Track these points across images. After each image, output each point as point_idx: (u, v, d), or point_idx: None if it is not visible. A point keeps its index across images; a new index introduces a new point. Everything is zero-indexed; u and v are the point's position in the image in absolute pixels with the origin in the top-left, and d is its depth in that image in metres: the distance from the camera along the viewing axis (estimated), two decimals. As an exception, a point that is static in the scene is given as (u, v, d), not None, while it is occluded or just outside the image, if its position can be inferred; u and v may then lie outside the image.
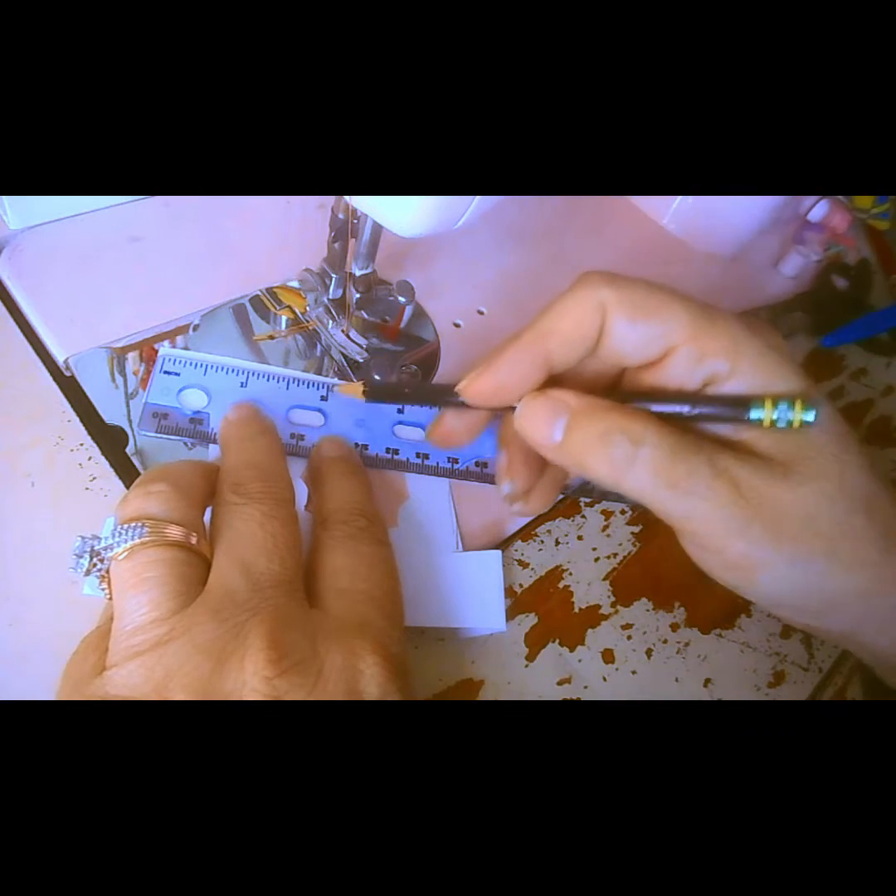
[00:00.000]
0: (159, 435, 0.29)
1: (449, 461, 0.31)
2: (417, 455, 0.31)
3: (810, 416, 0.21)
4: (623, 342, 0.22)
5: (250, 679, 0.20)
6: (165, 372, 0.29)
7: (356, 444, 0.30)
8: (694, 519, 0.21)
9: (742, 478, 0.21)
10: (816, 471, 0.22)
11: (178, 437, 0.29)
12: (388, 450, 0.30)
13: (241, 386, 0.30)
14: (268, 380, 0.30)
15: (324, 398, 0.30)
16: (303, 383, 0.30)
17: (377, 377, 0.33)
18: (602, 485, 0.22)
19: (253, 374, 0.30)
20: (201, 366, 0.30)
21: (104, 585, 0.23)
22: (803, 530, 0.21)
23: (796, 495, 0.21)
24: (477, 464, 0.31)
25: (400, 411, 0.31)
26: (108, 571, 0.23)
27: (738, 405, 0.21)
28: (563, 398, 0.22)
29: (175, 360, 0.30)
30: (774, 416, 0.21)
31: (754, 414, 0.21)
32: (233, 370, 0.30)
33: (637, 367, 0.23)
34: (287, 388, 0.30)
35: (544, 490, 0.27)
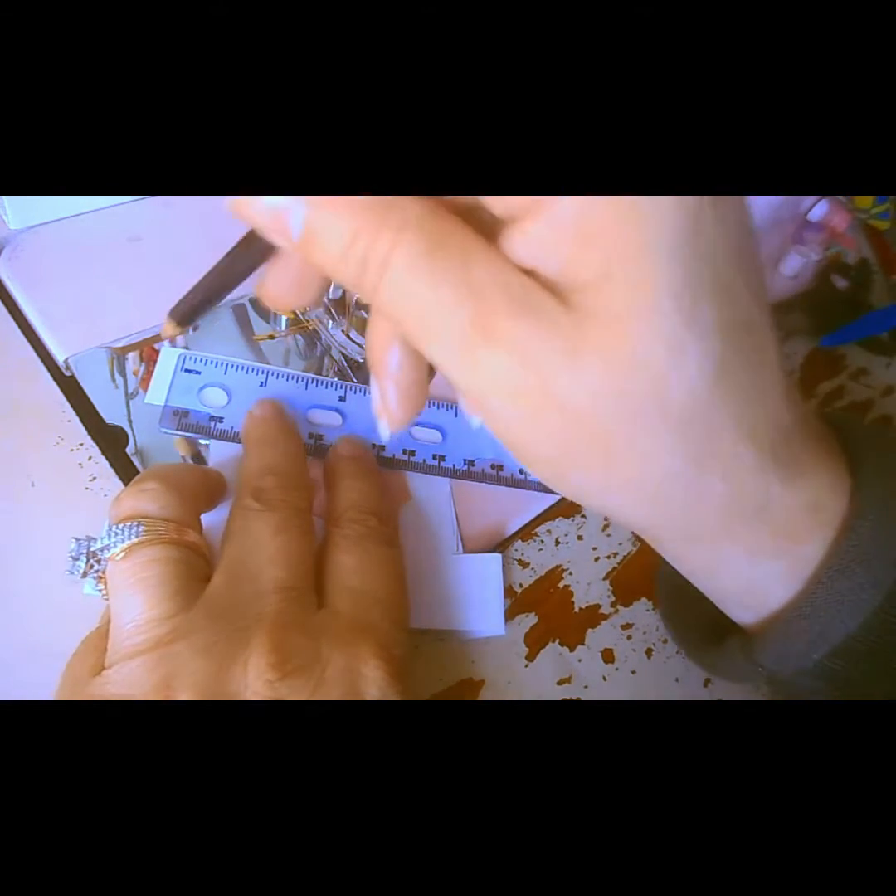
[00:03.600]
0: (180, 432, 0.29)
1: (465, 463, 0.31)
2: (434, 456, 0.31)
3: None
4: None
5: (252, 682, 0.20)
6: (186, 370, 0.30)
7: (373, 445, 0.30)
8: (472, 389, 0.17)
9: (529, 348, 0.16)
10: (605, 330, 0.16)
11: (198, 436, 0.29)
12: (404, 451, 0.31)
13: (261, 385, 0.30)
14: (287, 380, 0.30)
15: (342, 399, 0.31)
16: (321, 383, 0.31)
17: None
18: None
19: (272, 373, 0.30)
20: (221, 364, 0.30)
21: (102, 586, 0.23)
22: (580, 431, 0.17)
23: (576, 379, 0.16)
24: (493, 466, 0.31)
25: None
26: (105, 572, 0.23)
27: None
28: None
29: (195, 359, 0.30)
30: None
31: None
32: (253, 369, 0.30)
33: None
34: (306, 388, 0.30)
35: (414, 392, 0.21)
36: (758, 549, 0.20)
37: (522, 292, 0.16)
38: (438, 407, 0.32)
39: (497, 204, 0.17)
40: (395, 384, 0.20)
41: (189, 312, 0.21)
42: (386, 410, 0.20)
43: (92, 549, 0.23)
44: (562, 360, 0.16)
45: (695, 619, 0.26)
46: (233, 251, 0.20)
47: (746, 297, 0.17)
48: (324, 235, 0.16)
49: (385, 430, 0.21)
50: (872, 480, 0.20)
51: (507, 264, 0.16)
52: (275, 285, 0.20)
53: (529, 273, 0.16)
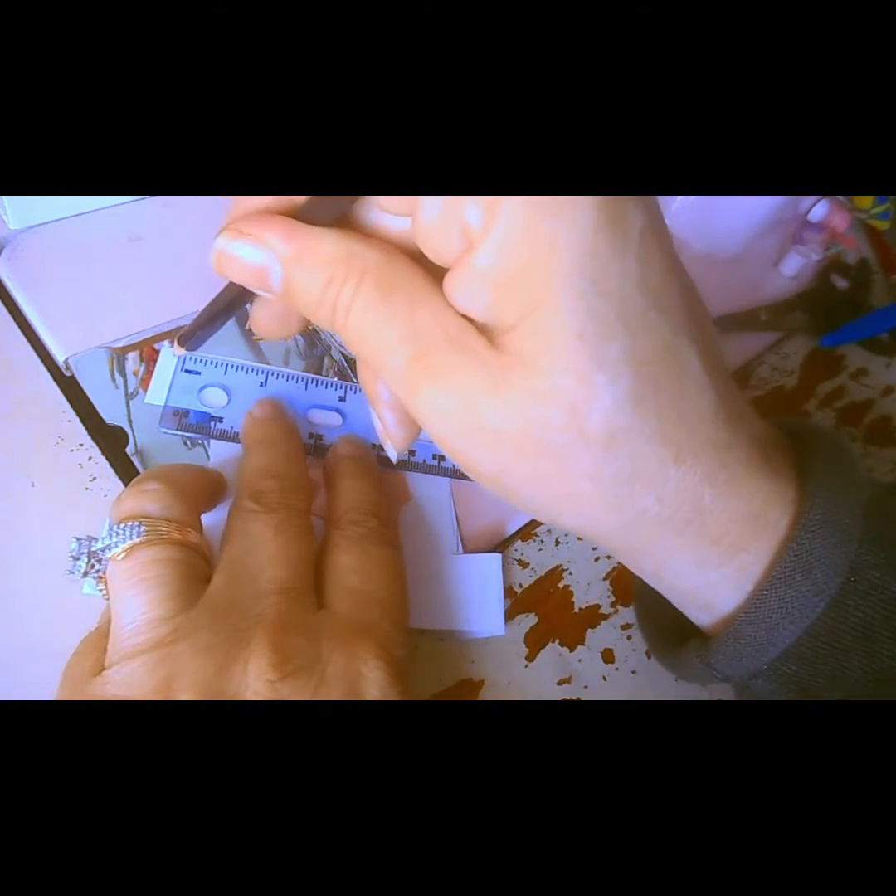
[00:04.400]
0: (180, 432, 0.29)
1: None
2: (434, 456, 0.31)
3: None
4: None
5: (253, 682, 0.20)
6: (186, 371, 0.30)
7: (373, 445, 0.30)
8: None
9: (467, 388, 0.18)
10: (524, 367, 0.18)
11: (198, 436, 0.29)
12: None
13: (261, 385, 0.30)
14: (287, 380, 0.30)
15: (342, 399, 0.31)
16: (321, 383, 0.31)
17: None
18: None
19: (272, 373, 0.30)
20: (221, 364, 0.30)
21: (103, 586, 0.23)
22: (516, 455, 0.19)
23: (502, 411, 0.18)
24: None
25: None
26: (105, 572, 0.23)
27: None
28: (272, 241, 0.19)
29: (195, 359, 0.30)
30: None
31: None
32: (253, 369, 0.30)
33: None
34: (306, 389, 0.30)
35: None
36: (701, 557, 0.21)
37: (458, 333, 0.18)
38: None
39: (429, 253, 0.19)
40: (390, 410, 0.22)
41: (194, 336, 0.24)
42: (388, 435, 0.23)
43: (93, 548, 0.23)
44: (487, 393, 0.18)
45: (662, 620, 0.26)
46: (231, 282, 0.22)
47: (663, 325, 0.18)
48: (300, 287, 0.19)
49: (392, 452, 0.23)
50: (817, 490, 0.20)
51: (448, 308, 0.19)
52: (262, 319, 0.23)
53: (467, 315, 0.19)
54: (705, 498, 0.20)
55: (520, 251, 0.17)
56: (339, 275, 0.19)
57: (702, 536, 0.20)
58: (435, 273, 0.19)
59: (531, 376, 0.18)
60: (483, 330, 0.19)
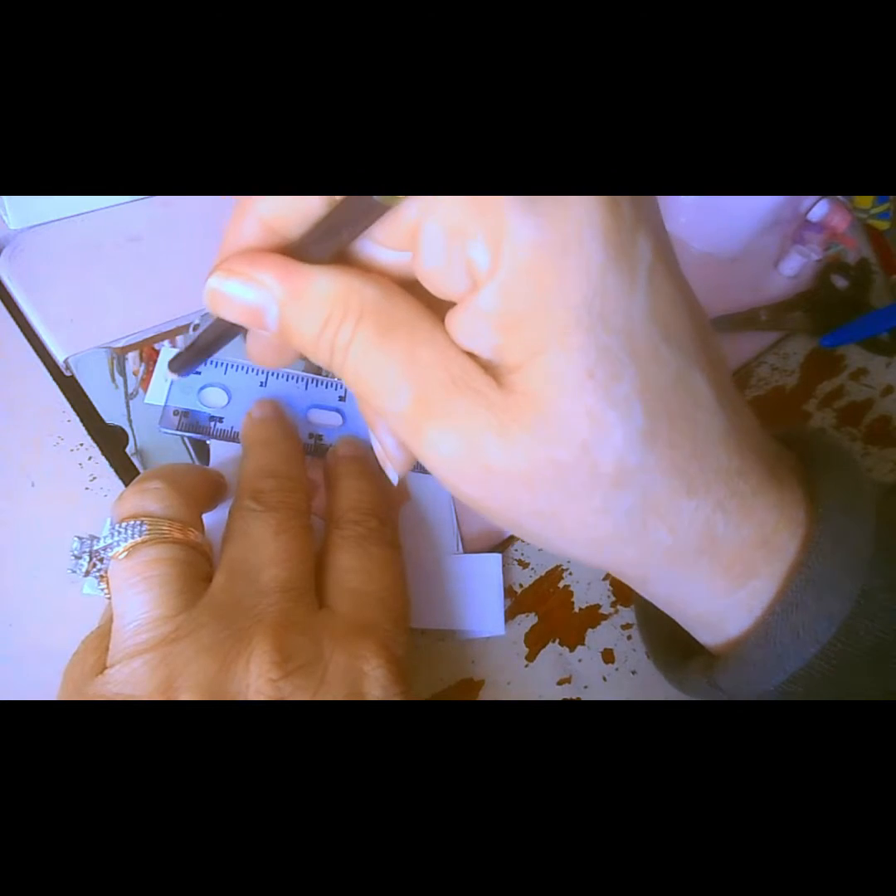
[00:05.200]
0: (180, 432, 0.29)
1: None
2: None
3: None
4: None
5: (255, 681, 0.20)
6: None
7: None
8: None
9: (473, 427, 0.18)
10: (532, 407, 0.18)
11: (198, 435, 0.29)
12: None
13: (261, 385, 0.30)
14: (287, 379, 0.30)
15: (342, 398, 0.31)
16: (321, 383, 0.31)
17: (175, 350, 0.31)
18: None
19: (272, 373, 0.30)
20: (221, 364, 0.30)
21: (104, 585, 0.23)
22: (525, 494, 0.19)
23: (508, 451, 0.18)
24: None
25: None
26: (107, 571, 0.23)
27: None
28: (266, 280, 0.19)
29: None
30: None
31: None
32: (253, 369, 0.30)
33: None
34: (306, 388, 0.30)
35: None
36: (713, 584, 0.21)
37: (461, 373, 0.18)
38: None
39: (430, 287, 0.18)
40: (389, 434, 0.22)
41: (184, 364, 0.25)
42: (388, 458, 0.23)
43: (95, 548, 0.23)
44: (494, 435, 0.18)
45: (664, 634, 0.26)
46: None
47: (674, 357, 0.18)
48: (296, 327, 0.19)
49: (393, 475, 0.23)
50: (827, 513, 0.20)
51: (451, 346, 0.18)
52: (257, 351, 0.22)
53: (470, 353, 0.18)
54: (718, 526, 0.19)
55: (527, 292, 0.16)
56: (337, 314, 0.18)
57: (714, 565, 0.20)
58: (435, 306, 0.18)
59: (540, 416, 0.17)
60: (488, 367, 0.18)
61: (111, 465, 0.29)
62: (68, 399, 0.31)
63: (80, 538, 0.23)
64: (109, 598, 0.23)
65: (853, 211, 0.45)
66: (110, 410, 0.30)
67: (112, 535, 0.22)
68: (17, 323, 0.32)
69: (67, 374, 0.31)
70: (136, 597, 0.21)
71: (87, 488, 0.29)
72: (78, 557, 0.23)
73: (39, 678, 0.22)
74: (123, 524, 0.22)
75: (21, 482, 0.28)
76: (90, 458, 0.30)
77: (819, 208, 0.44)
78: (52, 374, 0.31)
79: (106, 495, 0.29)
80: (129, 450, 0.30)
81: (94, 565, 0.23)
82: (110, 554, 0.22)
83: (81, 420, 0.30)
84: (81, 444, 0.30)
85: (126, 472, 0.30)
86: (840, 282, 0.45)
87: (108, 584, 0.23)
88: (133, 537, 0.22)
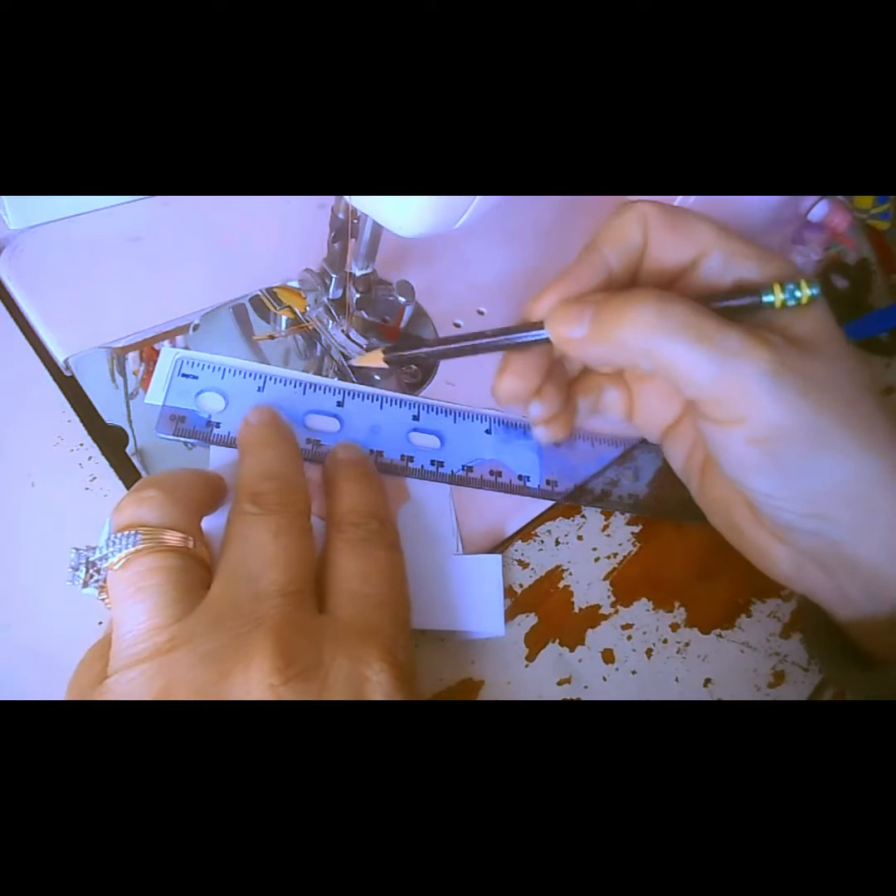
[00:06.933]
0: (177, 438, 0.29)
1: (464, 469, 0.31)
2: (432, 462, 0.31)
3: (815, 290, 0.22)
4: (663, 247, 0.24)
5: (255, 687, 0.20)
6: (183, 375, 0.29)
7: (371, 451, 0.30)
8: (723, 379, 0.21)
9: (776, 341, 0.21)
10: (839, 351, 0.23)
11: (195, 440, 0.29)
12: (402, 457, 0.30)
13: (259, 390, 0.30)
14: (285, 384, 0.30)
15: (340, 404, 0.31)
16: (319, 388, 0.31)
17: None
18: (630, 357, 0.22)
19: (270, 378, 0.30)
20: (219, 369, 0.30)
21: (104, 596, 0.23)
22: (835, 401, 0.22)
23: (829, 369, 0.22)
24: (491, 472, 0.31)
25: (415, 419, 0.31)
26: (106, 582, 0.23)
27: (752, 292, 0.23)
28: (586, 296, 0.23)
29: (193, 363, 0.30)
30: (783, 297, 0.22)
31: (767, 297, 0.22)
32: (250, 374, 0.30)
33: (675, 276, 0.24)
34: (304, 393, 0.30)
35: (567, 417, 0.28)
36: None
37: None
38: (437, 412, 0.32)
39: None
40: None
41: (398, 358, 0.27)
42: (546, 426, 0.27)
43: (91, 559, 0.22)
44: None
45: (839, 643, 0.27)
46: (466, 335, 0.25)
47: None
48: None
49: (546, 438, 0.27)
50: None
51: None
52: (506, 375, 0.26)
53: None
54: None
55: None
56: (650, 293, 0.22)
57: None
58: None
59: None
60: None
61: (111, 465, 0.29)
62: (68, 399, 0.31)
63: (76, 549, 0.23)
64: (111, 608, 0.22)
65: (853, 211, 0.45)
66: (110, 410, 0.30)
67: (108, 545, 0.22)
68: (17, 323, 0.32)
69: (67, 374, 0.31)
70: (133, 607, 0.21)
71: (87, 488, 0.29)
72: (75, 569, 0.23)
73: (39, 678, 0.22)
74: (119, 535, 0.22)
75: (21, 482, 0.28)
76: (90, 458, 0.30)
77: (819, 208, 0.44)
78: (52, 374, 0.31)
79: (106, 495, 0.29)
80: (129, 450, 0.30)
81: (92, 576, 0.23)
82: (105, 565, 0.22)
83: (81, 420, 0.30)
84: (81, 444, 0.30)
85: (126, 472, 0.29)
86: (840, 282, 0.45)
87: (108, 594, 0.23)
88: (128, 547, 0.22)
